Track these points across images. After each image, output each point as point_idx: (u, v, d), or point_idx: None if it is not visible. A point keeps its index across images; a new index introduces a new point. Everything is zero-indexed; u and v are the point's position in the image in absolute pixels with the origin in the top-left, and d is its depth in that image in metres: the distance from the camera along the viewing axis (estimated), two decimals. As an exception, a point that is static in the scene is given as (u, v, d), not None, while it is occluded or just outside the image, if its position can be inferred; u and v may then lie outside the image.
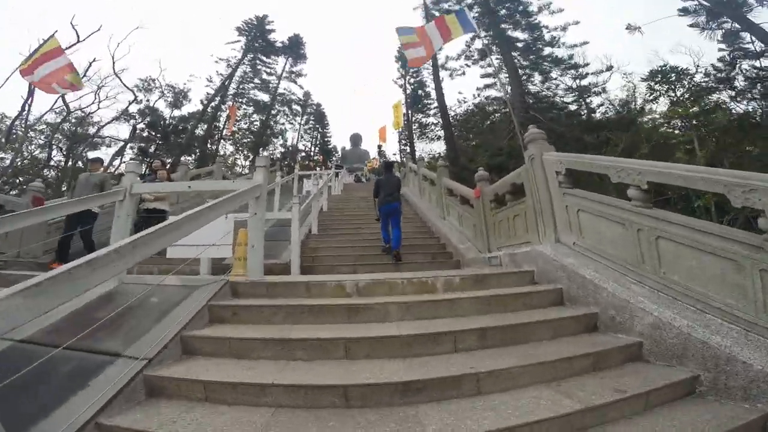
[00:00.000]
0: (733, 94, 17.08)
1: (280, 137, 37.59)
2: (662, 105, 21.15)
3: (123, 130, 33.17)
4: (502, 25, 25.20)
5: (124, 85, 24.91)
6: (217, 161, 16.61)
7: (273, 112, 36.96)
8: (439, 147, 32.23)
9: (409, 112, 33.43)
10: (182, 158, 22.08)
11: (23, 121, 20.16)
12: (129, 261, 1.89)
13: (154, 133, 27.49)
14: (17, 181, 19.44)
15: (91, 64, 22.09)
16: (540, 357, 2.43)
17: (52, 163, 22.59)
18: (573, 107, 24.02)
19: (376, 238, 7.41)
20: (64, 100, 21.14)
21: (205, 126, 31.03)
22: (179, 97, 30.44)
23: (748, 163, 12.18)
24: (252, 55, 36.12)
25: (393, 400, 2.09)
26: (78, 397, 2.02)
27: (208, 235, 3.84)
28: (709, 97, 17.74)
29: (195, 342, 2.66)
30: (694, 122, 17.16)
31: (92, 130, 24.81)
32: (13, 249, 5.90)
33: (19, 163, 20.08)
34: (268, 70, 37.40)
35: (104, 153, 25.41)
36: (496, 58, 24.17)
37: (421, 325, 2.88)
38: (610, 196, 3.78)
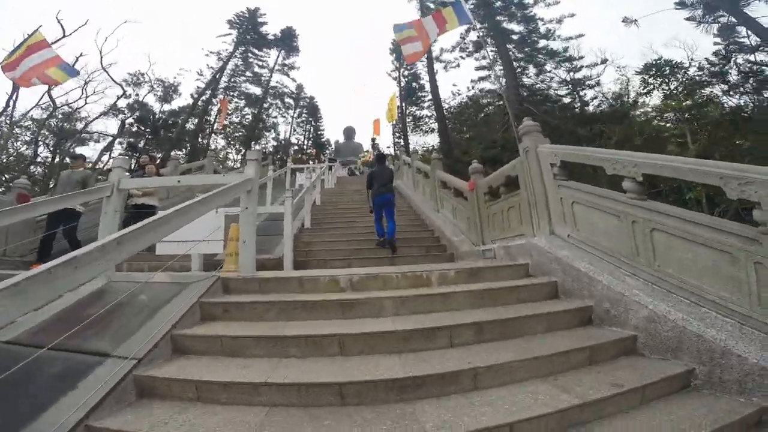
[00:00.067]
0: (726, 88, 17.15)
1: (272, 131, 37.27)
2: (655, 98, 21.24)
3: (111, 125, 32.74)
4: (498, 17, 25.03)
5: (112, 80, 24.39)
6: (208, 155, 16.37)
7: (265, 105, 36.49)
8: (433, 140, 32.17)
9: (403, 104, 33.26)
10: (172, 153, 21.79)
11: (8, 117, 19.71)
12: (115, 258, 1.82)
13: (143, 128, 27.04)
14: (3, 178, 19.03)
15: (77, 58, 21.56)
16: (536, 351, 2.42)
17: (38, 159, 22.16)
18: (567, 100, 24.06)
19: (369, 232, 7.36)
20: (50, 96, 20.69)
21: (196, 120, 30.55)
22: (169, 91, 29.90)
23: (738, 156, 12.26)
24: (244, 48, 35.56)
25: (389, 397, 2.06)
26: (67, 398, 1.97)
27: (199, 230, 3.77)
28: (702, 90, 17.81)
29: (186, 340, 2.61)
30: (686, 116, 17.25)
31: (80, 126, 24.36)
32: (-2, 247, 5.77)
33: (4, 160, 19.64)
34: (260, 63, 36.87)
35: (92, 148, 25.01)
36: (491, 51, 24.07)
37: (417, 319, 2.86)
38: (603, 188, 3.77)
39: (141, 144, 26.43)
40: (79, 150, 23.30)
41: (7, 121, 19.69)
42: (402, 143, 31.51)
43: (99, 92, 24.76)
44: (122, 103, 26.10)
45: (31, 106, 21.77)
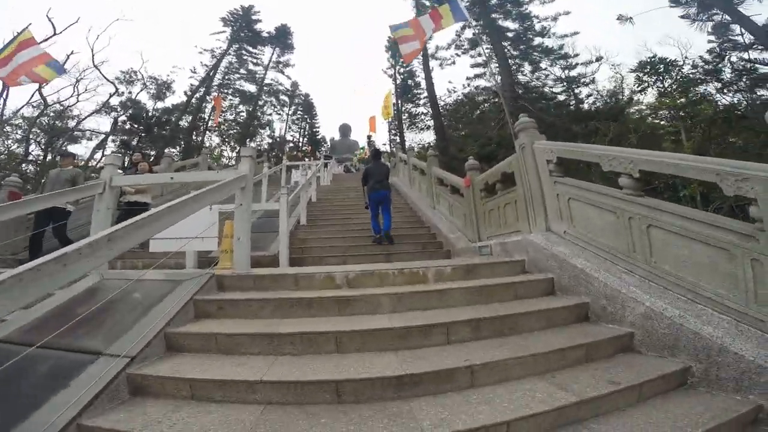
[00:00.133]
0: (720, 86, 17.23)
1: (267, 128, 37.06)
2: (650, 96, 21.32)
3: (104, 123, 32.33)
4: (493, 15, 25.00)
5: (105, 78, 24.17)
6: (203, 153, 16.24)
7: (260, 102, 36.35)
8: (429, 137, 32.16)
9: (399, 102, 33.21)
10: (166, 150, 21.59)
11: (-2, 116, 19.44)
12: (105, 255, 1.79)
13: (136, 126, 26.75)
14: (-5, 177, 18.77)
15: (69, 56, 21.31)
16: (533, 348, 2.41)
17: (30, 157, 21.88)
18: (562, 98, 24.07)
19: (366, 229, 7.34)
20: (41, 94, 20.45)
21: (190, 117, 30.33)
22: (162, 88, 29.62)
23: (732, 154, 12.33)
24: (238, 46, 35.37)
25: (386, 395, 2.05)
26: (58, 397, 1.95)
27: (193, 227, 3.72)
28: (696, 88, 17.89)
29: (180, 338, 2.58)
30: (681, 113, 17.33)
31: (72, 124, 24.08)
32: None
33: (-5, 159, 19.41)
34: (255, 61, 36.72)
35: (85, 146, 24.80)
36: (487, 48, 24.03)
37: (413, 316, 2.84)
38: (598, 185, 3.76)
39: (134, 142, 26.14)
40: (71, 148, 23.08)
41: (-2, 120, 19.42)
42: (398, 140, 31.47)
43: (91, 90, 24.51)
44: (115, 101, 25.93)
45: (21, 105, 21.53)
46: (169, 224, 2.46)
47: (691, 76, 18.65)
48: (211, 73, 32.94)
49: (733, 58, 17.09)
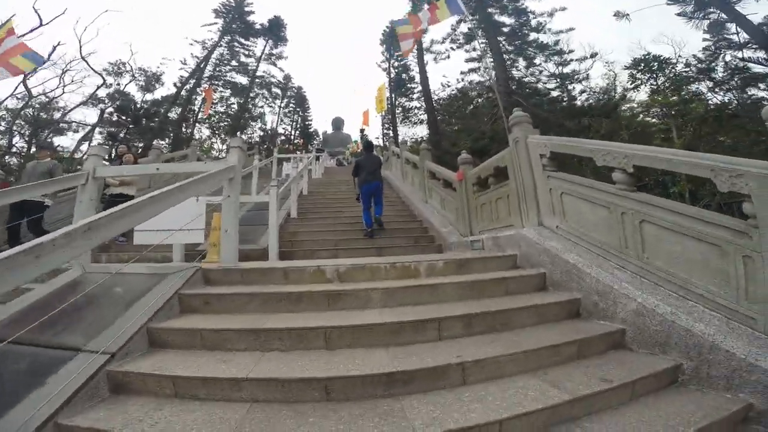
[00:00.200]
0: (712, 85, 17.37)
1: (258, 120, 36.59)
2: (642, 94, 21.47)
3: (91, 115, 31.69)
4: (489, 9, 24.95)
5: (92, 69, 23.61)
6: (192, 145, 15.94)
7: (251, 95, 35.79)
8: (422, 131, 32.09)
9: (393, 95, 33.04)
10: (155, 142, 21.21)
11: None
12: (82, 246, 1.70)
13: (124, 118, 26.21)
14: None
15: (55, 48, 20.76)
16: (525, 345, 2.38)
17: (13, 150, 21.35)
18: (555, 93, 24.17)
19: (357, 222, 7.27)
20: (25, 85, 19.95)
21: (179, 109, 29.80)
22: (151, 80, 29.03)
23: (721, 152, 12.45)
24: (229, 37, 34.73)
25: (376, 392, 2.00)
26: (34, 394, 1.88)
27: (180, 219, 3.61)
28: (689, 87, 18.02)
29: (163, 334, 2.50)
30: (672, 111, 17.45)
31: (57, 116, 23.52)
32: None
33: (-23, 151, 18.93)
34: (247, 53, 36.08)
35: (71, 138, 24.27)
36: (482, 43, 23.97)
37: (405, 311, 2.79)
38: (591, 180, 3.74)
39: (122, 134, 25.65)
40: (57, 140, 22.58)
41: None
42: (391, 134, 31.35)
43: (78, 81, 23.99)
44: (102, 93, 25.41)
45: (5, 96, 20.99)
46: (152, 215, 2.37)
47: (684, 74, 18.78)
48: (202, 65, 32.35)
49: (727, 57, 17.23)
